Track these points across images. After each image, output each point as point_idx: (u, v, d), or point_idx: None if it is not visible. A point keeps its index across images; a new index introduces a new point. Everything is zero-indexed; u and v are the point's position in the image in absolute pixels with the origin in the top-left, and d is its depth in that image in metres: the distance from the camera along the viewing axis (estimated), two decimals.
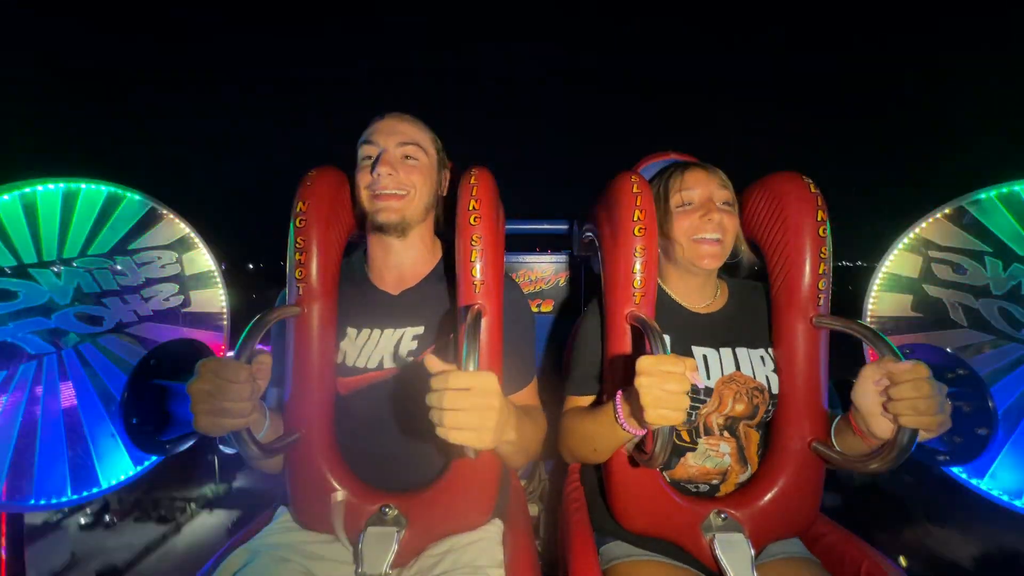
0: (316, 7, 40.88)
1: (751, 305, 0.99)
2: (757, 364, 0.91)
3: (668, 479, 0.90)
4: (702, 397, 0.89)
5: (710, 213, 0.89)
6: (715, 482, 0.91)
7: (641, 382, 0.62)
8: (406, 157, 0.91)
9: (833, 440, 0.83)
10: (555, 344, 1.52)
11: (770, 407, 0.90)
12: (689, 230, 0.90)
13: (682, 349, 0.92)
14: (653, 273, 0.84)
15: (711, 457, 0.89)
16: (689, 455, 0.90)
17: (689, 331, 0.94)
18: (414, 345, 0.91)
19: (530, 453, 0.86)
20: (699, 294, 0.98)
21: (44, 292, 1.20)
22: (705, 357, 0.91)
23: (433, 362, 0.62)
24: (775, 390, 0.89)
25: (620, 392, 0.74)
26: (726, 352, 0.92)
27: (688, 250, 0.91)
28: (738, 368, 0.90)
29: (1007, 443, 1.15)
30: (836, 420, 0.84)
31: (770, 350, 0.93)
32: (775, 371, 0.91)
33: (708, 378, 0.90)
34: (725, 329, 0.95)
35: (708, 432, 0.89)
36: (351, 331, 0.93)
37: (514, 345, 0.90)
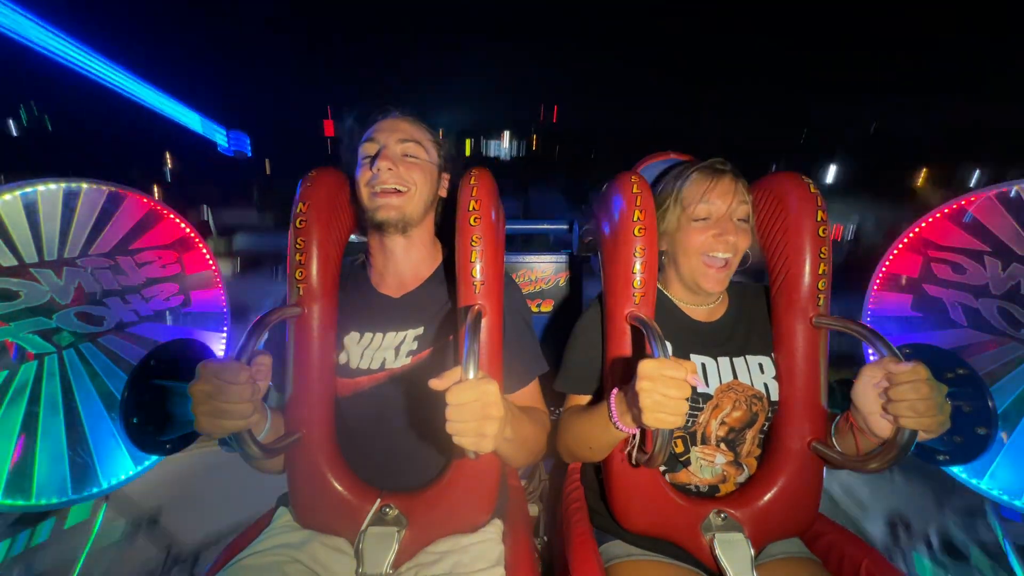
0: None
1: (752, 310, 0.98)
2: (755, 372, 0.91)
3: (670, 481, 0.90)
4: (700, 404, 0.89)
5: (726, 234, 0.86)
6: (716, 483, 0.91)
7: (642, 386, 0.62)
8: (406, 155, 0.92)
9: (833, 439, 0.83)
10: (554, 344, 1.52)
11: (770, 414, 0.90)
12: (701, 246, 0.88)
13: (681, 356, 0.91)
14: (653, 273, 0.84)
15: (704, 467, 0.90)
16: (687, 467, 0.90)
17: (689, 338, 0.93)
18: (414, 346, 0.91)
19: (532, 453, 0.86)
20: (701, 302, 0.98)
21: (45, 292, 1.20)
22: (704, 366, 0.91)
23: (436, 383, 0.62)
24: (775, 397, 0.89)
25: (614, 391, 0.75)
26: (724, 361, 0.92)
27: (695, 268, 0.90)
28: (735, 377, 0.90)
29: (1007, 443, 1.15)
30: (836, 419, 0.84)
31: (772, 356, 0.92)
32: (775, 378, 0.90)
33: (708, 386, 0.90)
34: (724, 337, 0.95)
35: (704, 441, 0.89)
36: (354, 334, 0.93)
37: (515, 344, 0.90)
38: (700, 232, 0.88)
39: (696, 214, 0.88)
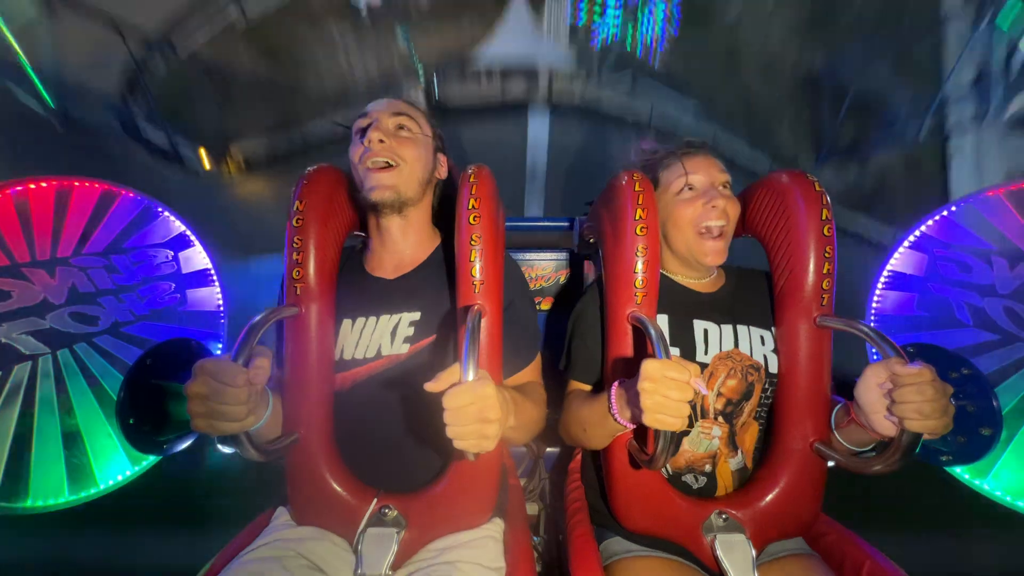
0: None
1: (752, 288, 0.99)
2: (756, 343, 0.91)
3: (671, 468, 0.90)
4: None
5: (714, 200, 0.88)
6: (708, 469, 0.90)
7: (644, 387, 0.62)
8: (399, 127, 0.92)
9: (833, 428, 0.83)
10: (555, 343, 1.51)
11: (767, 386, 0.89)
12: (693, 217, 0.90)
13: (683, 324, 0.92)
14: (655, 273, 0.83)
15: (702, 441, 0.89)
16: (684, 439, 0.90)
17: (690, 308, 0.94)
18: (410, 332, 0.90)
19: (532, 432, 0.88)
20: (699, 276, 0.99)
21: (38, 292, 1.18)
22: (706, 331, 0.92)
23: (431, 387, 0.61)
24: (773, 369, 0.89)
25: (615, 385, 0.74)
26: (727, 328, 0.92)
27: (691, 242, 0.91)
28: (736, 345, 0.90)
29: (1011, 443, 1.15)
30: (836, 409, 0.83)
31: (773, 330, 0.92)
32: (775, 351, 0.90)
33: (707, 353, 0.90)
34: (726, 306, 0.95)
35: (703, 415, 0.89)
36: (346, 322, 0.92)
37: (519, 327, 0.91)
38: (688, 204, 0.90)
39: (679, 188, 0.92)
